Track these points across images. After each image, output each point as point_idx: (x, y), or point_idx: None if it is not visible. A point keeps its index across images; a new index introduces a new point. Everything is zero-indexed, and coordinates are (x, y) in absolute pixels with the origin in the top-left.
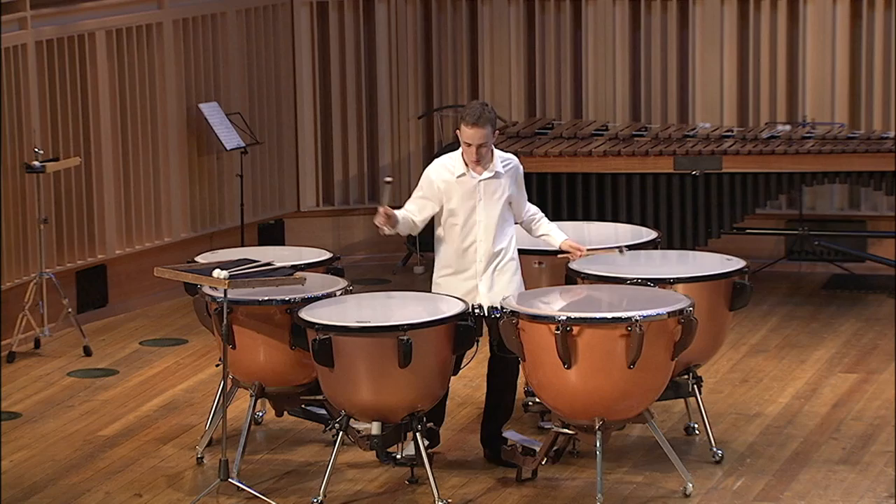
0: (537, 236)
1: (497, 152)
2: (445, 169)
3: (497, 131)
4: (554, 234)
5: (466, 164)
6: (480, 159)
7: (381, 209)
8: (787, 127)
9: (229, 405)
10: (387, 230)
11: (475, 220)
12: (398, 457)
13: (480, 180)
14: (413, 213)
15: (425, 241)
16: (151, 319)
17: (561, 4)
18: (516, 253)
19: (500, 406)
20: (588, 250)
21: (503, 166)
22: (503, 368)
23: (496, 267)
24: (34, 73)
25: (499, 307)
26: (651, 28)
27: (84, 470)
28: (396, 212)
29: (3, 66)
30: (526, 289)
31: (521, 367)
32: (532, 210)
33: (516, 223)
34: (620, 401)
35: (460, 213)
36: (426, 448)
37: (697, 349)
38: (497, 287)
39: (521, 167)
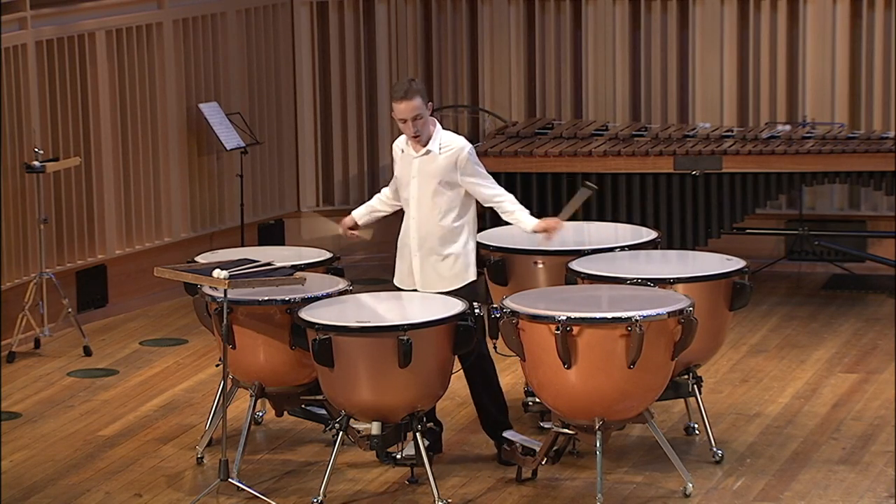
0: (510, 221)
1: (443, 133)
2: (398, 144)
3: (430, 103)
4: (525, 220)
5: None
6: (419, 132)
7: (345, 221)
8: (787, 127)
9: (229, 405)
10: (361, 234)
11: (408, 197)
12: (398, 457)
13: (415, 157)
14: (386, 192)
15: None
16: (151, 319)
17: (561, 4)
18: (466, 248)
19: (486, 404)
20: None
21: (440, 147)
22: (478, 367)
23: (432, 254)
24: (34, 73)
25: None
26: (651, 28)
27: (84, 470)
28: (363, 206)
29: (3, 66)
30: (525, 289)
31: (521, 366)
32: (499, 193)
33: (497, 224)
34: (620, 401)
35: (401, 188)
36: (426, 449)
37: (697, 349)
38: (429, 278)
39: (464, 151)
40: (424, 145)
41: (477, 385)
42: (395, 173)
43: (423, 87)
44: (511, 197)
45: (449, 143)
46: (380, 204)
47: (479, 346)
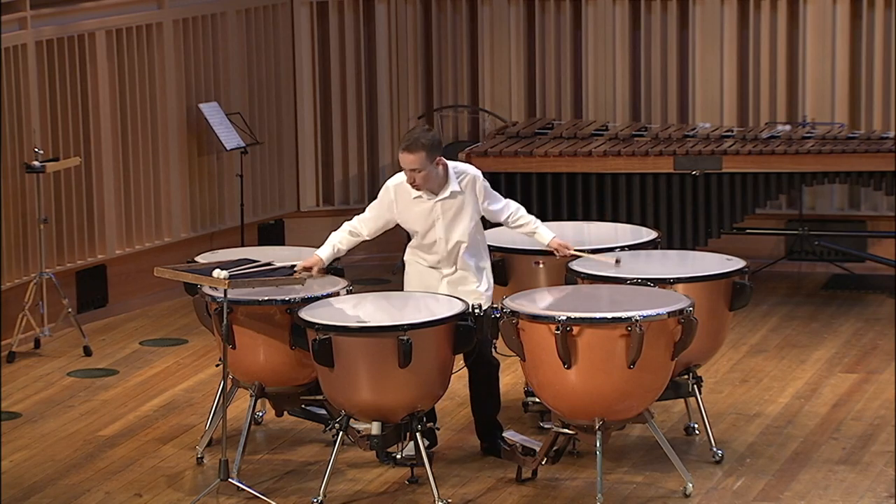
0: (525, 233)
1: (452, 165)
2: (403, 188)
3: (440, 157)
4: (541, 231)
5: None
6: (419, 186)
7: (314, 268)
8: (787, 127)
9: (229, 405)
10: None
11: (435, 238)
12: (398, 457)
13: (437, 201)
14: (360, 227)
15: None
16: (151, 319)
17: (561, 4)
18: (486, 262)
19: (486, 399)
20: (585, 251)
21: (459, 182)
22: (482, 364)
23: (459, 277)
24: (34, 73)
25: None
26: (651, 28)
27: (84, 470)
28: (330, 240)
29: (3, 66)
30: (525, 289)
31: (521, 366)
32: (512, 208)
33: (499, 224)
34: (620, 401)
35: (419, 231)
36: (426, 449)
37: (697, 349)
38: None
39: (479, 178)
40: (438, 191)
41: (489, 380)
42: (406, 221)
43: (434, 142)
44: (522, 211)
45: (462, 174)
46: (346, 244)
47: (485, 351)
